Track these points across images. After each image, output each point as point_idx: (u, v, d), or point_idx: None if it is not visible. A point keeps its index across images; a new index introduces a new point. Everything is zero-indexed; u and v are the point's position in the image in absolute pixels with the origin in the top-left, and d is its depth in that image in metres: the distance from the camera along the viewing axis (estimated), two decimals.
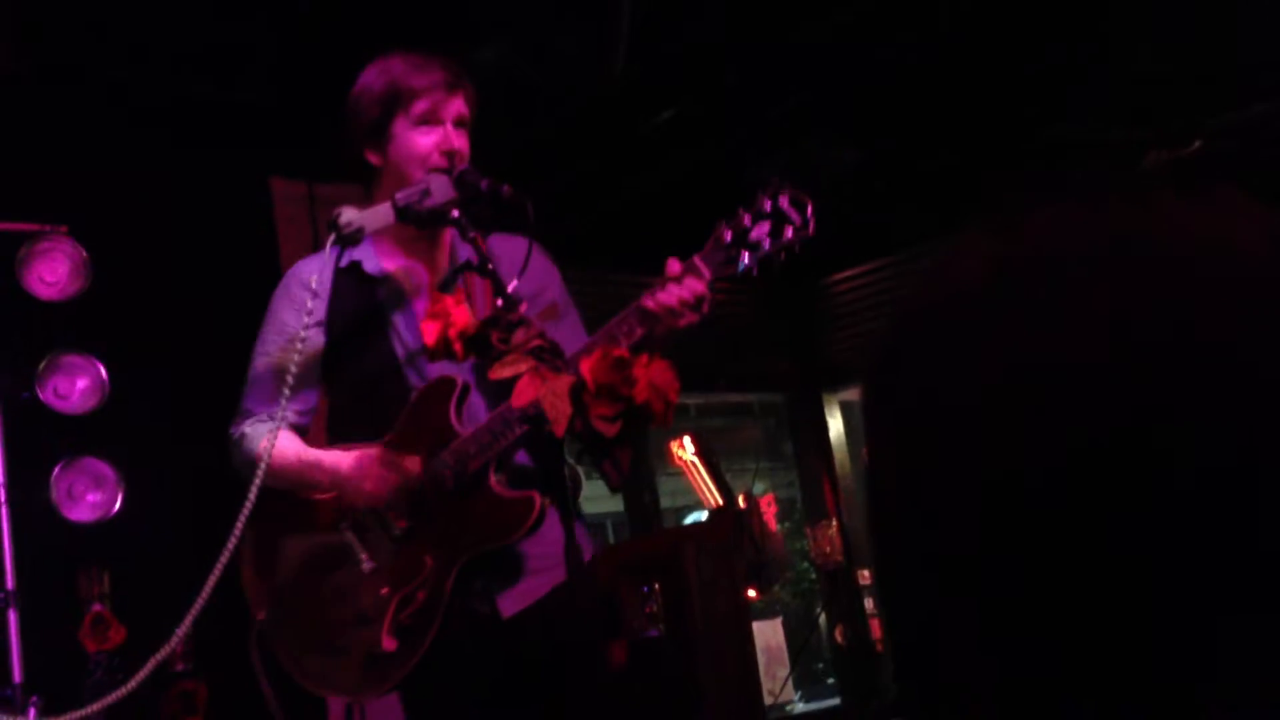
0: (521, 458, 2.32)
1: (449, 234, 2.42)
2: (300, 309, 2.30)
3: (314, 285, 2.31)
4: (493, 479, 2.23)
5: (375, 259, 2.42)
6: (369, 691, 2.31)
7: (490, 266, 2.16)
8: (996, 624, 0.51)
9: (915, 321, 0.58)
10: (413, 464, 2.24)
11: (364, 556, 2.29)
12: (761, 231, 2.21)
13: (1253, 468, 0.46)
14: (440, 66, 2.38)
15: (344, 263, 2.41)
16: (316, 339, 2.39)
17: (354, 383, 2.41)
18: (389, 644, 2.23)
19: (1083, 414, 0.49)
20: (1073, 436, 0.49)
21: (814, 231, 2.21)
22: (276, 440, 2.20)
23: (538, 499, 2.18)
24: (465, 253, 2.33)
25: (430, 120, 2.33)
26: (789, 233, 2.21)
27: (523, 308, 2.12)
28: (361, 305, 2.40)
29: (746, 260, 2.20)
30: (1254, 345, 0.48)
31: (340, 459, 2.31)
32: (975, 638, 0.51)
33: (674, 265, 2.21)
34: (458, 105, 2.36)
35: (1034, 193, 0.58)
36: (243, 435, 2.41)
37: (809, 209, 2.21)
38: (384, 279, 2.41)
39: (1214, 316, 0.49)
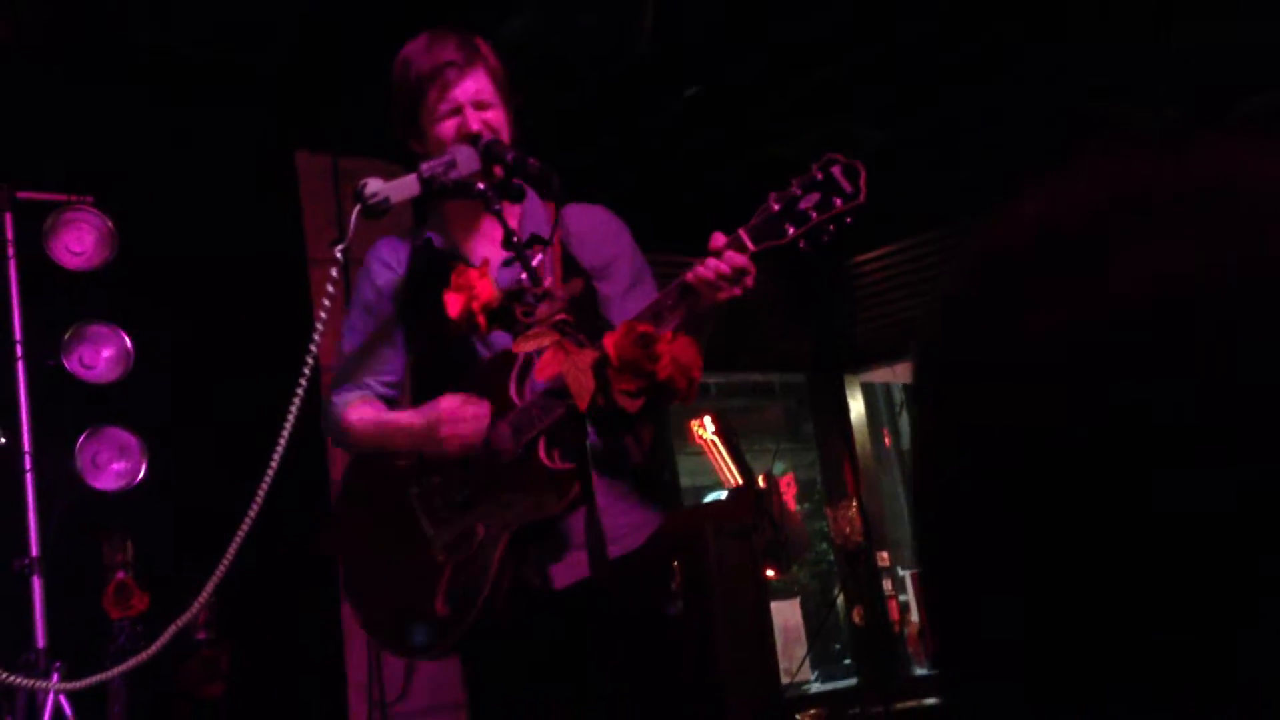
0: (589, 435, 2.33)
1: (516, 208, 2.42)
2: (378, 286, 2.45)
3: (377, 265, 2.43)
4: (541, 452, 2.25)
5: (446, 234, 2.47)
6: (423, 654, 2.41)
7: (516, 239, 2.15)
8: (1045, 600, 0.49)
9: (968, 277, 0.56)
10: (481, 410, 2.27)
11: (426, 523, 2.35)
12: (810, 202, 2.18)
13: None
14: (452, 46, 2.36)
15: (419, 241, 2.48)
16: (396, 315, 2.48)
17: (430, 355, 2.48)
18: (442, 609, 2.28)
19: (1130, 371, 0.47)
20: (1121, 393, 0.47)
21: (865, 200, 2.17)
22: (355, 408, 2.41)
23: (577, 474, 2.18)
24: (532, 227, 2.34)
25: (445, 109, 2.33)
26: (838, 203, 2.18)
27: (547, 281, 2.11)
28: (433, 281, 2.41)
29: (793, 231, 2.18)
30: None
31: (414, 416, 2.37)
32: (1022, 613, 0.50)
33: (718, 238, 2.19)
34: (472, 84, 2.34)
35: (1084, 151, 0.56)
36: (331, 405, 2.52)
37: (861, 178, 2.18)
38: (453, 254, 2.44)
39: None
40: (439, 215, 2.48)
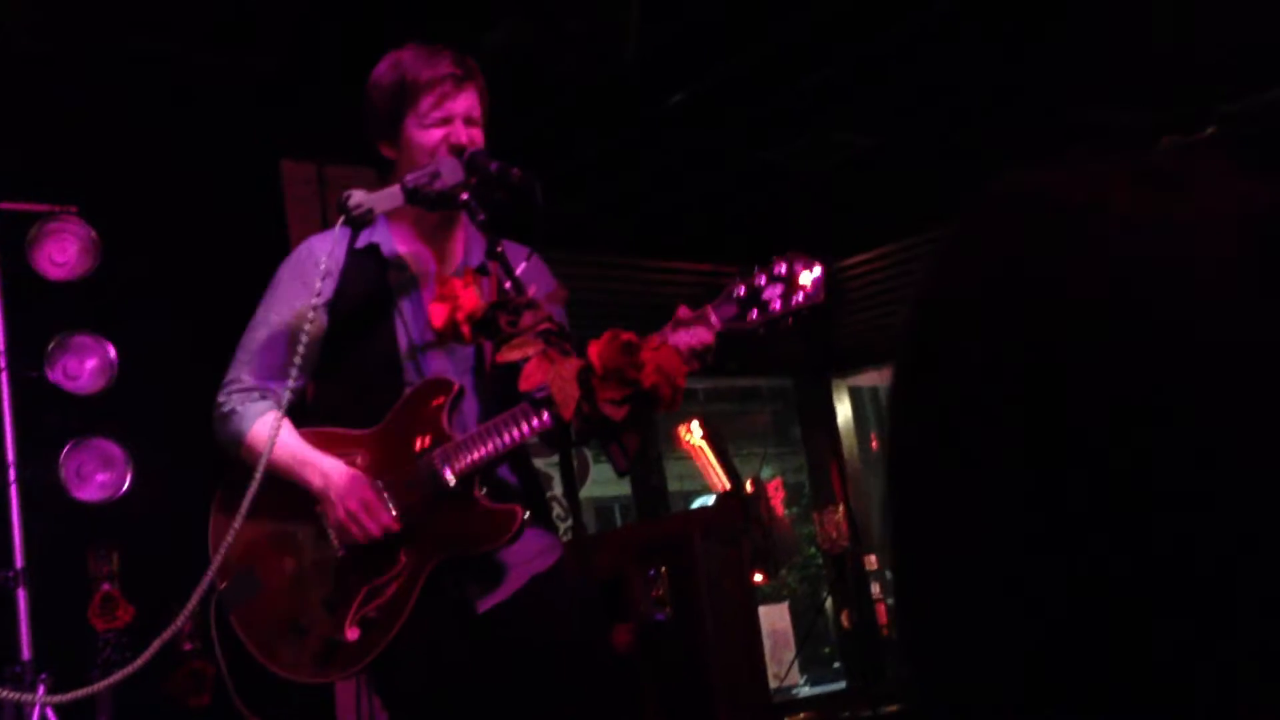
0: (504, 472, 2.33)
1: (463, 228, 2.41)
2: (309, 286, 2.26)
3: (325, 264, 2.27)
4: (477, 489, 2.23)
5: (391, 243, 2.40)
6: (323, 677, 2.30)
7: (499, 250, 2.15)
8: (1043, 602, 0.50)
9: (959, 271, 0.57)
10: (388, 519, 2.21)
11: (337, 542, 2.26)
12: (774, 293, 2.29)
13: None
14: (450, 60, 2.35)
15: (361, 243, 2.37)
16: (321, 319, 2.34)
17: (350, 367, 2.36)
18: (351, 634, 2.21)
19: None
20: (1116, 386, 0.49)
21: (824, 300, 2.31)
22: (265, 421, 2.23)
23: (519, 513, 2.20)
24: (479, 245, 2.31)
25: (438, 117, 2.31)
26: (799, 299, 2.29)
27: (531, 290, 2.11)
28: (372, 288, 2.37)
29: (756, 317, 2.29)
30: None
31: (332, 470, 2.25)
32: (1020, 617, 0.50)
33: (684, 311, 2.27)
34: (466, 100, 2.34)
35: (1069, 155, 0.59)
36: (233, 411, 2.35)
37: (820, 279, 2.30)
38: (398, 263, 2.38)
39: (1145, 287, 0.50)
40: (388, 222, 2.40)
